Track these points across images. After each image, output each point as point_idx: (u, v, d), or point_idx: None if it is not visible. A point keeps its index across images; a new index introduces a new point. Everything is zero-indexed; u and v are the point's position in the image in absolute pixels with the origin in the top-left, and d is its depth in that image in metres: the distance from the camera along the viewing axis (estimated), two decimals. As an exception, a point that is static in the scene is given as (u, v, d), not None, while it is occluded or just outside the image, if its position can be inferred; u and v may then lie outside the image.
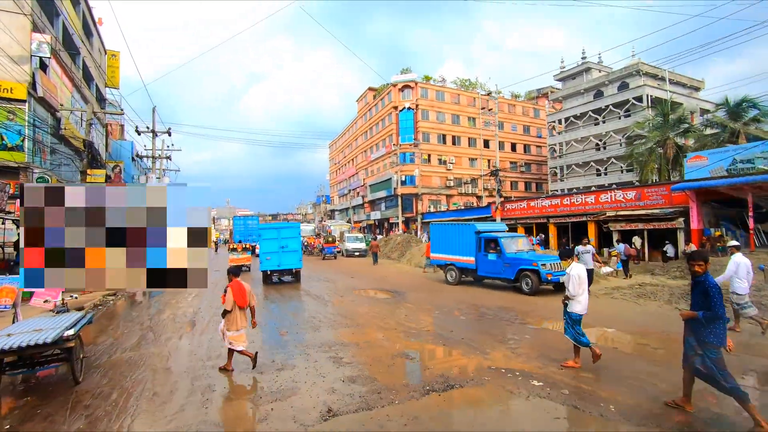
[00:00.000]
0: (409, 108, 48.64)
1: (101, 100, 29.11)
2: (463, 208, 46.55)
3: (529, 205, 28.70)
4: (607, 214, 21.99)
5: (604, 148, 43.17)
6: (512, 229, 30.85)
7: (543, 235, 26.47)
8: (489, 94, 32.63)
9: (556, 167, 47.98)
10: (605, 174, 43.11)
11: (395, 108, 49.39)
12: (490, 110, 32.52)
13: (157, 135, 27.74)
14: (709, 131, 31.38)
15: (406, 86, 48.94)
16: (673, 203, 20.03)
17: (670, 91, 41.03)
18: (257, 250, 29.97)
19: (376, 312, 10.29)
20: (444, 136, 49.97)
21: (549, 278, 11.64)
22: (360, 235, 30.51)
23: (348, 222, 46.85)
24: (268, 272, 16.24)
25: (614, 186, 30.10)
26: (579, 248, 20.09)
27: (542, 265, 11.73)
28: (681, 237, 18.44)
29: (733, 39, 60.02)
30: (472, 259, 13.75)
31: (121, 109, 29.63)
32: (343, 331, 8.48)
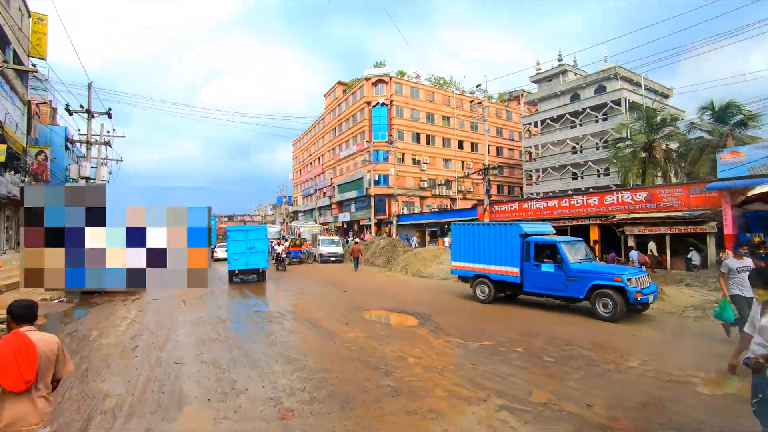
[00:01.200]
0: (383, 104, 45.46)
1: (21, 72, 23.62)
2: (437, 210, 43.97)
3: (521, 206, 26.29)
4: (618, 217, 19.84)
5: (581, 151, 42.12)
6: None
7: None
8: (479, 86, 29.99)
9: (531, 170, 46.58)
10: (582, 178, 42.03)
11: (368, 103, 46.05)
12: (479, 103, 29.99)
13: (93, 116, 22.72)
14: (691, 135, 30.57)
15: (380, 81, 45.76)
16: (691, 206, 18.16)
17: (645, 96, 40.64)
18: (215, 255, 25.87)
19: (416, 356, 6.86)
20: (418, 135, 47.22)
21: (638, 298, 8.73)
22: (336, 238, 26.89)
23: (319, 224, 42.87)
24: (236, 271, 16.90)
25: (613, 187, 28.34)
26: (633, 254, 17.24)
27: (628, 279, 8.80)
28: (711, 243, 16.47)
29: (680, 53, 61.92)
30: (516, 270, 10.62)
31: (47, 79, 24.25)
32: (396, 419, 4.59)
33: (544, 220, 24.31)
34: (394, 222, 38.06)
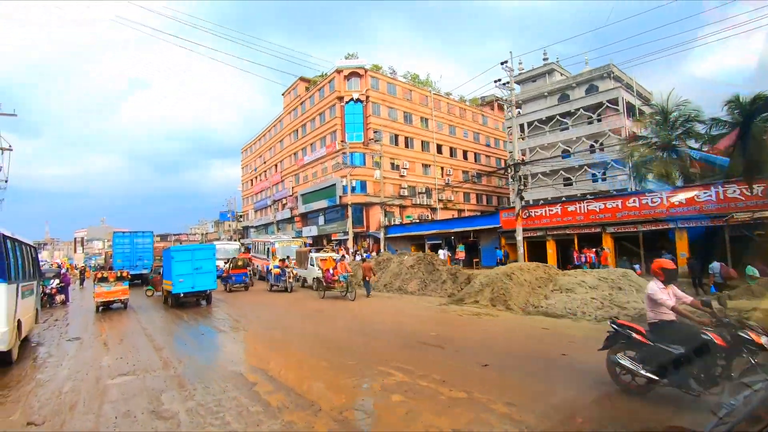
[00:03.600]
0: (358, 99, 38.80)
1: None
2: (420, 221, 37.82)
3: (566, 210, 20.78)
4: (736, 216, 14.73)
5: (573, 155, 38.31)
6: (537, 243, 22.68)
7: (607, 249, 18.35)
8: (498, 81, 24.40)
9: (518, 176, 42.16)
10: (575, 183, 38.12)
11: (340, 99, 39.14)
12: (506, 83, 24.31)
13: None
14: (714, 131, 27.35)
15: (354, 74, 39.14)
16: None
17: (637, 94, 37.98)
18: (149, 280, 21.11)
19: None
20: (396, 136, 41.01)
21: None
22: (336, 256, 19.46)
23: (297, 238, 34.60)
24: (181, 295, 15.13)
25: (614, 192, 23.83)
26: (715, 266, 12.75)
27: None
28: None
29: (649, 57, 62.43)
30: None
31: None
32: None
33: (603, 226, 18.90)
34: (382, 235, 31.12)
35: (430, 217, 41.80)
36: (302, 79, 46.29)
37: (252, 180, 60.34)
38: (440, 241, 27.58)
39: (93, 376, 6.49)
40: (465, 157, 47.96)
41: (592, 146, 36.62)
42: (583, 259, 18.13)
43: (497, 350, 7.08)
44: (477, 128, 49.89)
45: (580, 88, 39.04)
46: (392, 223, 37.61)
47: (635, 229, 17.75)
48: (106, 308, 15.97)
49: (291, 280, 17.32)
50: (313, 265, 17.78)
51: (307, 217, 44.33)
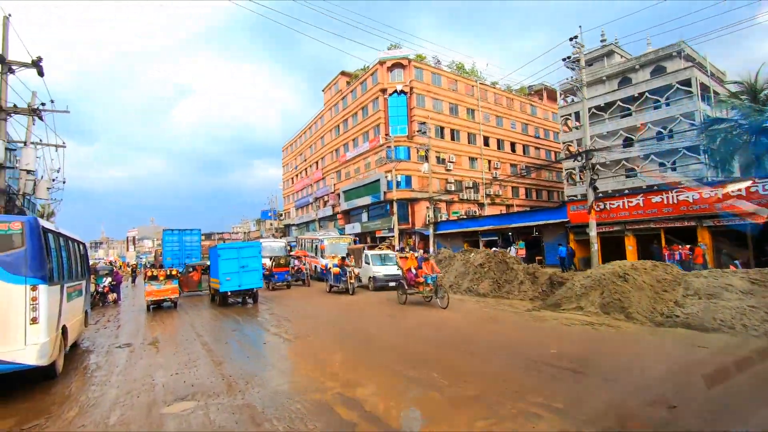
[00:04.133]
0: (402, 91, 37.16)
1: None
2: (465, 217, 35.68)
3: (649, 201, 18.22)
4: None
5: (637, 142, 34.91)
6: (612, 238, 20.23)
7: (703, 245, 15.76)
8: (566, 58, 22.10)
9: (572, 169, 39.16)
10: (640, 174, 34.74)
11: (383, 91, 37.65)
12: (576, 60, 21.88)
13: (7, 65, 13.41)
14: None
15: (397, 65, 37.54)
16: None
17: (711, 74, 34.16)
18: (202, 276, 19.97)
19: None
20: (442, 128, 39.07)
21: None
22: (391, 253, 17.94)
23: (346, 234, 33.50)
24: (228, 293, 15.09)
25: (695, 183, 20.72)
26: None
27: None
28: None
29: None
30: None
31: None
32: None
33: (699, 218, 16.29)
34: (431, 231, 29.33)
35: (478, 213, 39.62)
36: (343, 73, 45.23)
37: (293, 178, 60.10)
38: (495, 238, 25.47)
39: (145, 401, 5.21)
40: (513, 150, 45.28)
41: (659, 133, 33.21)
42: (677, 257, 15.64)
43: (667, 380, 5.21)
44: (525, 119, 47.00)
45: (644, 70, 35.58)
46: (440, 219, 35.81)
47: (742, 221, 15.05)
48: (157, 307, 15.60)
49: (353, 280, 15.63)
50: (368, 263, 16.32)
51: (349, 214, 43.22)
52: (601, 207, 19.47)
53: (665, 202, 17.43)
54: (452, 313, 11.06)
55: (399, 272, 16.17)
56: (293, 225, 58.51)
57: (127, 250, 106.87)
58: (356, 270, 15.98)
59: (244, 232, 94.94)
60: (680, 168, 31.89)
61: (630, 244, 18.97)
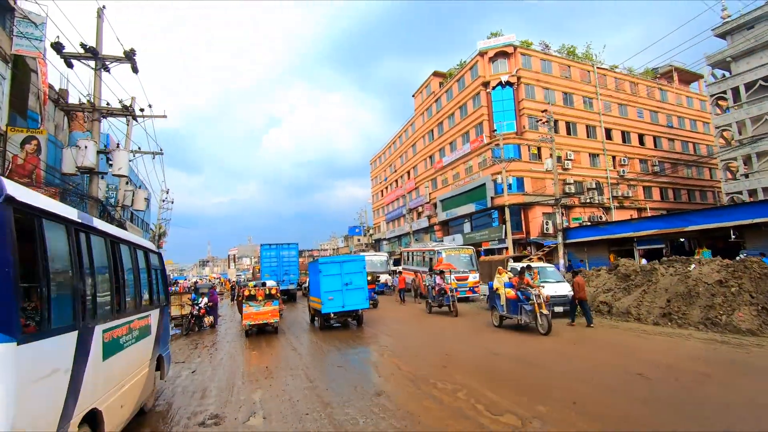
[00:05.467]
0: (507, 83, 32.32)
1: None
2: (590, 223, 29.18)
3: None
4: None
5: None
6: None
7: None
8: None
9: (732, 159, 30.70)
10: None
11: (485, 85, 33.13)
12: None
13: (106, 64, 11.72)
14: None
15: (501, 53, 32.84)
16: None
17: None
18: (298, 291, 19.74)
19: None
20: (556, 121, 33.12)
21: None
22: (549, 267, 13.27)
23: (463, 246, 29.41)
24: (332, 315, 12.72)
25: None
26: None
27: None
28: None
29: None
30: None
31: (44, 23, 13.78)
32: None
33: None
34: (560, 240, 23.68)
35: (604, 219, 32.77)
36: (436, 74, 41.62)
37: (382, 191, 57.52)
38: (662, 245, 19.14)
39: None
40: (641, 143, 37.53)
41: None
42: None
43: None
44: (654, 105, 38.97)
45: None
46: (569, 225, 29.94)
47: None
48: (259, 330, 13.35)
49: (544, 310, 9.62)
50: (542, 279, 11.75)
51: (448, 225, 38.82)
52: None
53: None
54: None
55: (569, 292, 11.35)
56: (384, 239, 55.61)
57: (228, 267, 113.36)
58: (544, 293, 10.25)
59: (333, 249, 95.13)
60: None
61: None
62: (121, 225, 15.85)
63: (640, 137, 37.55)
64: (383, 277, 25.06)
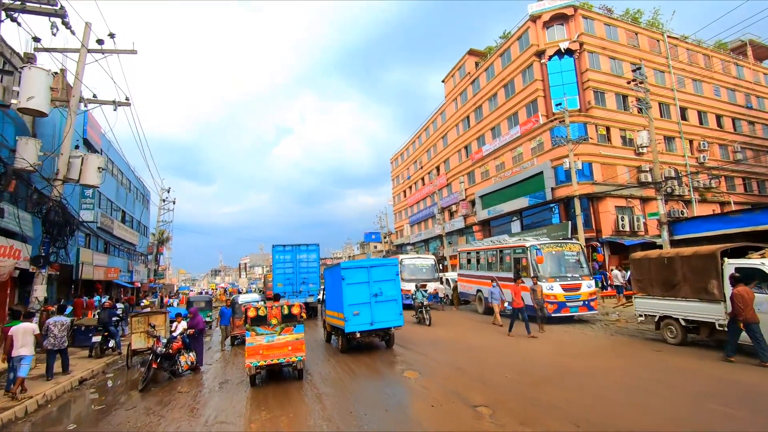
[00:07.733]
0: (567, 50, 26.55)
1: None
2: (672, 219, 23.00)
3: None
4: None
5: None
6: None
7: None
8: None
9: None
10: None
11: (538, 55, 27.41)
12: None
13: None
14: None
15: (558, 16, 27.12)
16: None
17: None
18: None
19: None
20: (624, 97, 27.32)
21: None
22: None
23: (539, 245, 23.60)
24: (357, 335, 10.12)
25: None
26: None
27: None
28: None
29: None
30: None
31: None
32: None
33: None
34: (666, 236, 17.57)
35: (684, 213, 26.57)
36: (471, 53, 36.00)
37: (405, 191, 51.76)
38: None
39: None
40: (719, 125, 31.34)
41: None
42: None
43: None
44: (732, 83, 32.81)
45: None
46: (677, 218, 23.97)
47: None
48: (271, 375, 7.84)
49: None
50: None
51: (489, 225, 32.82)
52: None
53: None
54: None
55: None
56: (408, 244, 49.67)
57: (240, 276, 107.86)
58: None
59: (348, 256, 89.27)
60: None
61: None
62: (63, 210, 10.17)
63: (718, 118, 31.37)
64: (431, 286, 19.16)
